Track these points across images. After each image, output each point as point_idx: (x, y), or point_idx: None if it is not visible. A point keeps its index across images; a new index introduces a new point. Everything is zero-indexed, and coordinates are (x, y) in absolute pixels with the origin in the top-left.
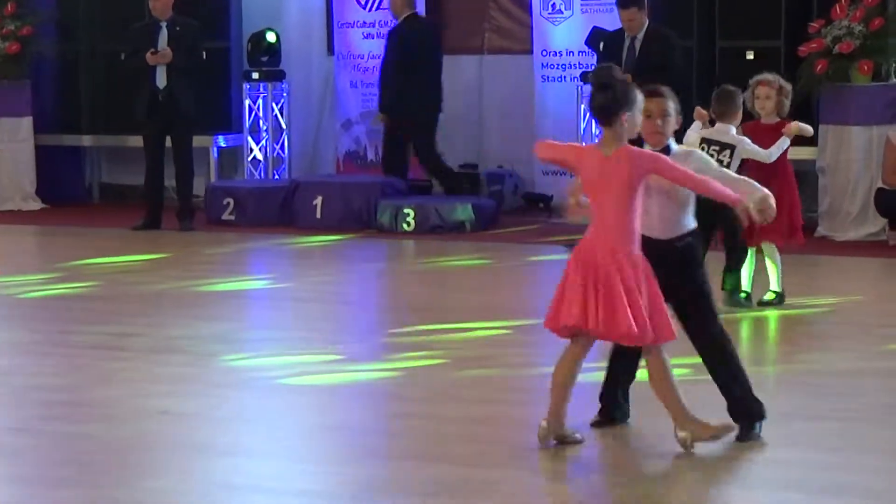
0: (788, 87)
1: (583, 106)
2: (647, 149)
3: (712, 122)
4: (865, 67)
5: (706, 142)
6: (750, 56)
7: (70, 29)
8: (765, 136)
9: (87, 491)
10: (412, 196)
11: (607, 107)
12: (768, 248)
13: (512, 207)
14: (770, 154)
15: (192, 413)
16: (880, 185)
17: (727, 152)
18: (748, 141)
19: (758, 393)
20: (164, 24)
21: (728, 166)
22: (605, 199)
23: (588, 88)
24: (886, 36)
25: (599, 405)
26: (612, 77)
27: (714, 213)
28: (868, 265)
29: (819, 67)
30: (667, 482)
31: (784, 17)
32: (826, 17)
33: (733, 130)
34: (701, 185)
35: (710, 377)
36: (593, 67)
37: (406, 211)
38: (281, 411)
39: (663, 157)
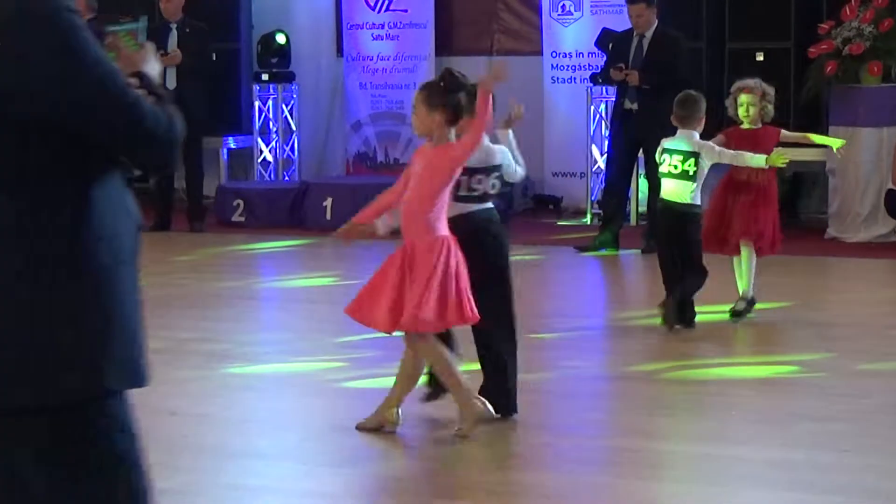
0: (771, 91)
1: (593, 107)
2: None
3: (674, 130)
4: (875, 69)
5: (667, 151)
6: (760, 57)
7: None
8: (747, 143)
9: None
10: None
11: (462, 107)
12: (746, 250)
13: (522, 209)
14: (749, 156)
15: (202, 414)
16: (890, 186)
17: (691, 160)
18: (712, 145)
19: (767, 394)
20: (174, 26)
21: (694, 175)
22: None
23: (596, 90)
24: None
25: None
26: (463, 81)
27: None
28: (878, 267)
29: (829, 69)
30: (669, 481)
31: (794, 18)
32: (836, 19)
33: (696, 137)
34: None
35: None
36: (601, 69)
37: None
38: (290, 413)
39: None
